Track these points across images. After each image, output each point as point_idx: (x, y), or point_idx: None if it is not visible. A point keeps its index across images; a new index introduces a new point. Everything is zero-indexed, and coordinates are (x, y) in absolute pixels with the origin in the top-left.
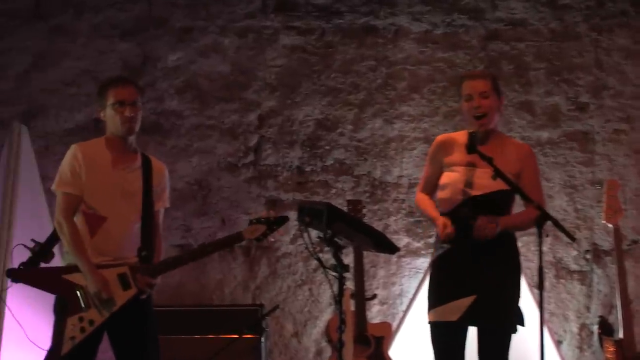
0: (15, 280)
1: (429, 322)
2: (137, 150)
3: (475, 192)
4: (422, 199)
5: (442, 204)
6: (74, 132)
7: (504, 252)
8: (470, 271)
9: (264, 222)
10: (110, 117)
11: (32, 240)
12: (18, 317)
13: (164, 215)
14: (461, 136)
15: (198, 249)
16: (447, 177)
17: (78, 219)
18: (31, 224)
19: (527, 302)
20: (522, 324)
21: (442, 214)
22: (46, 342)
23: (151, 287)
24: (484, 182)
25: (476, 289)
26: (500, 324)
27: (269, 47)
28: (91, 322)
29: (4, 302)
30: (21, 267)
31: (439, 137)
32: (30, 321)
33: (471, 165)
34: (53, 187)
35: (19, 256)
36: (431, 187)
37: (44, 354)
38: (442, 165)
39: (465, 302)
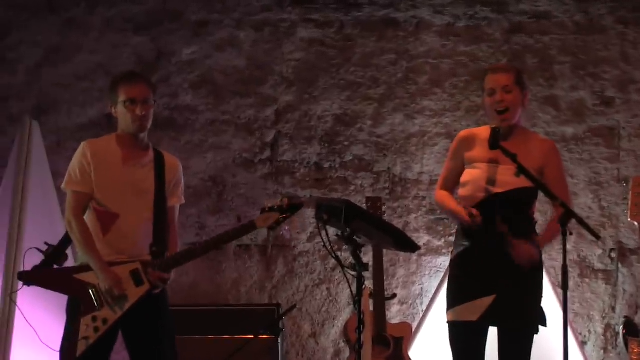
0: (28, 283)
1: (448, 322)
2: (149, 146)
3: (497, 190)
4: (442, 195)
5: (463, 201)
6: (86, 128)
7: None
8: (490, 270)
9: (277, 210)
10: (122, 114)
11: (45, 243)
12: (30, 319)
13: (178, 213)
14: (484, 131)
15: (211, 240)
16: (468, 175)
17: (90, 217)
18: (42, 222)
19: (550, 302)
20: (544, 325)
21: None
22: (59, 344)
23: (164, 282)
24: (507, 179)
25: (496, 288)
26: (522, 324)
27: (286, 40)
28: (105, 321)
29: (15, 303)
30: (34, 268)
31: (462, 133)
32: (43, 323)
33: (494, 162)
34: (63, 186)
35: (31, 259)
36: (452, 184)
37: (56, 355)
38: (464, 162)
39: (486, 301)
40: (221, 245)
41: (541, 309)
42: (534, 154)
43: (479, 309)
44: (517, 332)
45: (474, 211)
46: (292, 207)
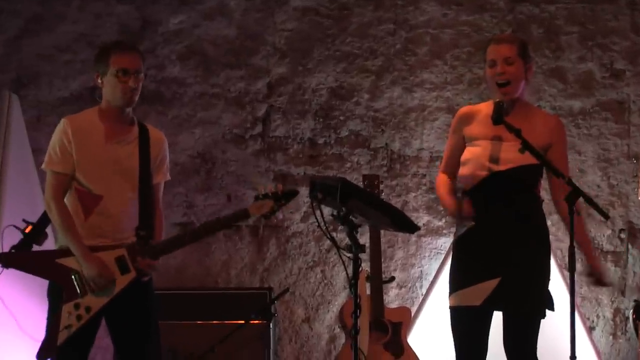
0: (6, 265)
1: (450, 307)
2: (134, 120)
3: (500, 168)
4: (440, 182)
5: (464, 180)
6: (68, 102)
7: (532, 231)
8: (494, 252)
9: (272, 197)
10: (111, 85)
11: (24, 220)
12: (9, 305)
13: (164, 190)
14: (485, 107)
15: (201, 227)
16: (469, 152)
17: (71, 198)
18: (21, 200)
19: (557, 285)
20: (552, 309)
21: (465, 192)
22: (40, 332)
23: (152, 269)
24: (510, 156)
25: (501, 271)
26: (528, 308)
27: (279, 9)
28: (88, 309)
29: None
30: (12, 250)
31: (462, 109)
32: (23, 309)
33: (496, 138)
34: (43, 165)
35: (9, 238)
36: (454, 165)
37: (37, 344)
38: (465, 139)
39: (490, 285)
40: (212, 233)
41: (548, 292)
42: (538, 130)
43: (482, 293)
44: (523, 317)
45: (467, 211)
46: (287, 194)
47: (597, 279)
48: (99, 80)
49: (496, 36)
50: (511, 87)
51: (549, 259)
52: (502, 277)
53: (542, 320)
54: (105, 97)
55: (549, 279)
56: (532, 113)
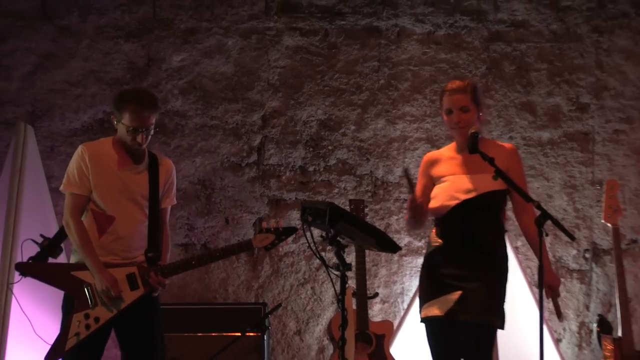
0: (24, 274)
1: (421, 320)
2: (145, 150)
3: (467, 196)
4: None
5: (434, 212)
6: (79, 133)
7: (493, 252)
8: (457, 268)
9: (273, 232)
10: (122, 133)
11: (41, 235)
12: (26, 311)
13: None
14: (447, 150)
15: (207, 254)
16: (438, 188)
17: (87, 218)
18: (36, 220)
19: (527, 300)
20: (502, 327)
21: (437, 219)
22: (52, 337)
23: (162, 286)
24: (476, 185)
25: (462, 285)
26: (485, 318)
27: (273, 48)
28: (97, 320)
29: (12, 293)
30: (30, 261)
31: (427, 155)
32: (38, 316)
33: (462, 173)
34: (61, 187)
35: (27, 251)
36: (425, 200)
37: (47, 348)
38: (434, 179)
39: (452, 297)
40: (216, 261)
41: (503, 310)
42: (497, 160)
43: (446, 305)
44: (481, 327)
45: (417, 198)
46: (287, 230)
47: (550, 288)
48: (114, 121)
49: (449, 86)
50: (467, 130)
51: (506, 280)
52: (463, 291)
53: (514, 334)
54: (119, 134)
55: (504, 297)
56: (489, 144)
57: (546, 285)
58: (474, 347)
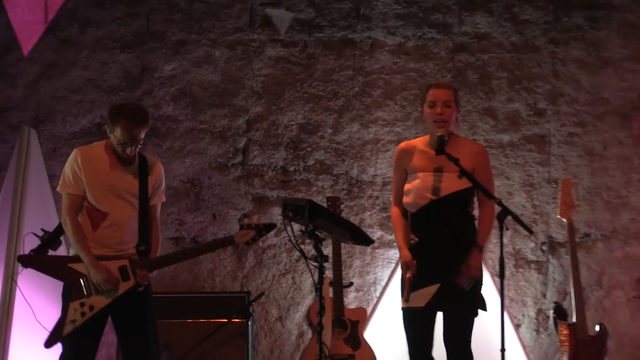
0: (25, 265)
1: (402, 309)
2: (135, 154)
3: (439, 195)
4: (395, 218)
5: (408, 207)
6: (78, 135)
7: (466, 245)
8: (435, 262)
9: (254, 228)
10: (114, 142)
11: (42, 229)
12: (30, 300)
13: (160, 210)
14: (419, 142)
15: (193, 249)
16: (410, 184)
17: (82, 214)
18: (39, 216)
19: (489, 289)
20: (485, 309)
21: (411, 214)
22: (51, 323)
23: (147, 280)
24: (447, 184)
25: (441, 278)
26: (462, 308)
27: (256, 58)
28: (91, 308)
29: (16, 284)
30: (31, 253)
31: (400, 145)
32: (40, 305)
33: (435, 170)
34: (58, 188)
35: (29, 244)
36: (402, 195)
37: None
38: (407, 171)
39: (432, 289)
40: (201, 254)
41: (481, 295)
42: (465, 157)
43: (425, 297)
44: (459, 316)
45: (411, 271)
46: (267, 227)
47: (468, 267)
48: (107, 130)
49: (437, 81)
50: (446, 124)
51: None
52: (441, 284)
53: (477, 319)
54: (111, 140)
55: (481, 284)
56: (462, 142)
57: (467, 265)
58: (455, 333)
